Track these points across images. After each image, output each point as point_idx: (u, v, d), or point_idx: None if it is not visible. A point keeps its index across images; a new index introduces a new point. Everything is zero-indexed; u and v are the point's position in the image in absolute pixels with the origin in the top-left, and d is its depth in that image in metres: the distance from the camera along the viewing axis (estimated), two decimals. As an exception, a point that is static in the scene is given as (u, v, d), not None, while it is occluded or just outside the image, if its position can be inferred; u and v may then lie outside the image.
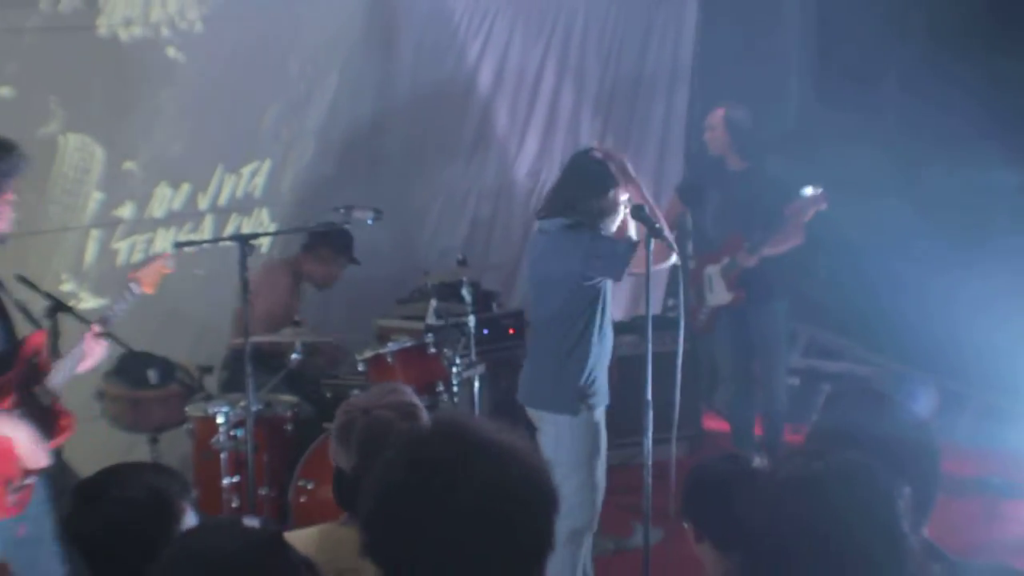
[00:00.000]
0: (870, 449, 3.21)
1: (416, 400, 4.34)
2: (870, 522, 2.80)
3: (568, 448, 6.40)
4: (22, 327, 5.82)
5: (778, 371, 8.75)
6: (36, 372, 5.73)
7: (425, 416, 4.21)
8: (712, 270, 8.57)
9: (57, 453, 5.87)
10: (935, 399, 9.21)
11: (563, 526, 5.76)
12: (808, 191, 8.08)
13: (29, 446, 5.52)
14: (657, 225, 6.18)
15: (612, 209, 6.45)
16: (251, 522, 2.95)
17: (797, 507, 2.83)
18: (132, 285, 6.12)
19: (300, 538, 3.89)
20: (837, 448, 3.11)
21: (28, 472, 5.56)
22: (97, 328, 5.92)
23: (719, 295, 8.56)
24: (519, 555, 2.80)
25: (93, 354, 5.90)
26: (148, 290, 6.16)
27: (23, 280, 6.09)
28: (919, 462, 3.34)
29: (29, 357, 5.71)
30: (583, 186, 6.46)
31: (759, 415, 8.79)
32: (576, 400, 6.45)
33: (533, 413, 6.56)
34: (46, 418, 5.72)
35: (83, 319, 6.89)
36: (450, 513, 2.69)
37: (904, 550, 2.82)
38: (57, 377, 5.76)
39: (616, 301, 10.73)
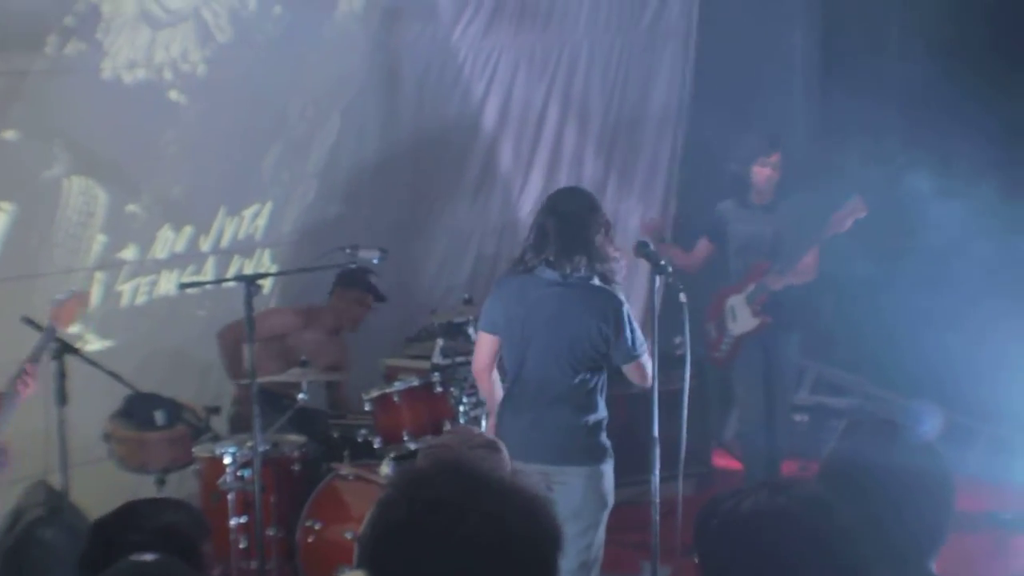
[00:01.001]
0: (883, 481, 3.19)
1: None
2: (827, 559, 2.75)
3: (598, 498, 6.33)
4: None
5: (785, 404, 8.80)
6: None
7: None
8: (735, 300, 8.62)
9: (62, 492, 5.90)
10: (941, 422, 9.20)
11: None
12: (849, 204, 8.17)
13: None
14: (662, 262, 6.20)
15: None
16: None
17: (760, 540, 2.78)
18: (51, 322, 6.22)
19: None
20: (845, 484, 3.09)
21: None
22: (30, 367, 6.02)
23: (744, 322, 8.59)
24: None
25: (24, 389, 6.02)
26: (64, 327, 6.23)
27: (29, 322, 6.13)
28: (932, 494, 3.31)
29: None
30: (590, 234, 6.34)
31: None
32: (606, 448, 6.40)
33: (553, 470, 6.16)
34: None
35: (90, 361, 6.91)
36: (452, 550, 2.67)
37: None
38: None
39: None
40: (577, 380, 6.33)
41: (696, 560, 3.61)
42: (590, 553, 6.31)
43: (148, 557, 3.03)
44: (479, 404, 8.02)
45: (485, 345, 6.55)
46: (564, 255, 6.27)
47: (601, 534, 6.39)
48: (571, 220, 6.33)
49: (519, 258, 6.48)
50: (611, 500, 6.42)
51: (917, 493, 3.26)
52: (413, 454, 7.51)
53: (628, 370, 6.44)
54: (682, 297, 6.25)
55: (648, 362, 6.34)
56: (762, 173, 8.59)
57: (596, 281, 6.30)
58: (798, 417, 9.53)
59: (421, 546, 2.68)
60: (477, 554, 2.67)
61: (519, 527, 2.73)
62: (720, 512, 2.89)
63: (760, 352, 8.62)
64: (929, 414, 9.11)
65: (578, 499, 6.22)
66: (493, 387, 6.62)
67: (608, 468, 6.38)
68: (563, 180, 10.65)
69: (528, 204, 10.64)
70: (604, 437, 6.41)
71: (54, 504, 6.53)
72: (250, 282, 7.02)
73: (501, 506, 2.73)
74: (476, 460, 2.98)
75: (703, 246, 8.94)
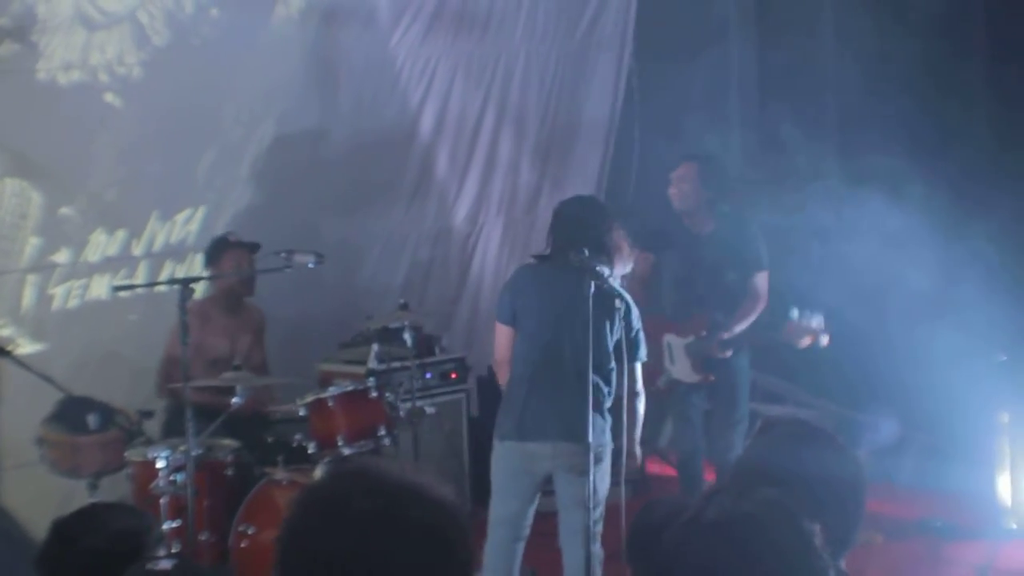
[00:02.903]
0: (794, 482, 3.19)
1: None
2: (792, 565, 2.73)
3: (607, 476, 6.71)
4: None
5: (741, 423, 8.41)
6: None
7: None
8: (674, 341, 8.28)
9: None
10: (896, 431, 9.17)
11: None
12: (812, 322, 7.94)
13: None
14: (597, 268, 6.29)
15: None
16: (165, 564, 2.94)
17: (723, 552, 2.72)
18: None
19: None
20: (755, 483, 3.08)
21: None
22: None
23: (683, 372, 8.29)
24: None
25: None
26: None
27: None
28: (843, 497, 3.35)
29: None
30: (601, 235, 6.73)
31: (710, 462, 8.61)
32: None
33: (577, 451, 6.49)
34: None
35: (22, 364, 6.86)
36: (363, 558, 2.66)
37: None
38: None
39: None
40: (600, 367, 6.63)
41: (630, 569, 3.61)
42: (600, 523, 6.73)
43: (165, 565, 3.02)
44: (414, 410, 8.04)
45: (504, 336, 6.90)
46: (574, 247, 6.60)
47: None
48: (577, 218, 6.84)
49: (539, 253, 6.99)
50: None
51: (828, 496, 3.28)
52: (346, 460, 7.50)
53: (631, 369, 6.73)
54: (617, 303, 6.27)
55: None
56: (672, 191, 8.27)
57: (606, 274, 6.59)
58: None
59: (319, 539, 2.68)
60: (365, 536, 2.66)
61: (415, 519, 2.72)
62: (681, 522, 2.86)
63: (701, 396, 8.43)
64: (884, 424, 9.10)
65: (607, 477, 6.69)
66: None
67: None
68: (497, 188, 10.69)
69: (463, 210, 10.68)
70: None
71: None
72: (184, 285, 6.99)
73: (384, 510, 2.73)
74: (382, 463, 2.97)
75: (646, 260, 8.14)
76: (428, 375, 8.77)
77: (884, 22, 9.70)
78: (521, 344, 6.85)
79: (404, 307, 8.54)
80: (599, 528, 6.73)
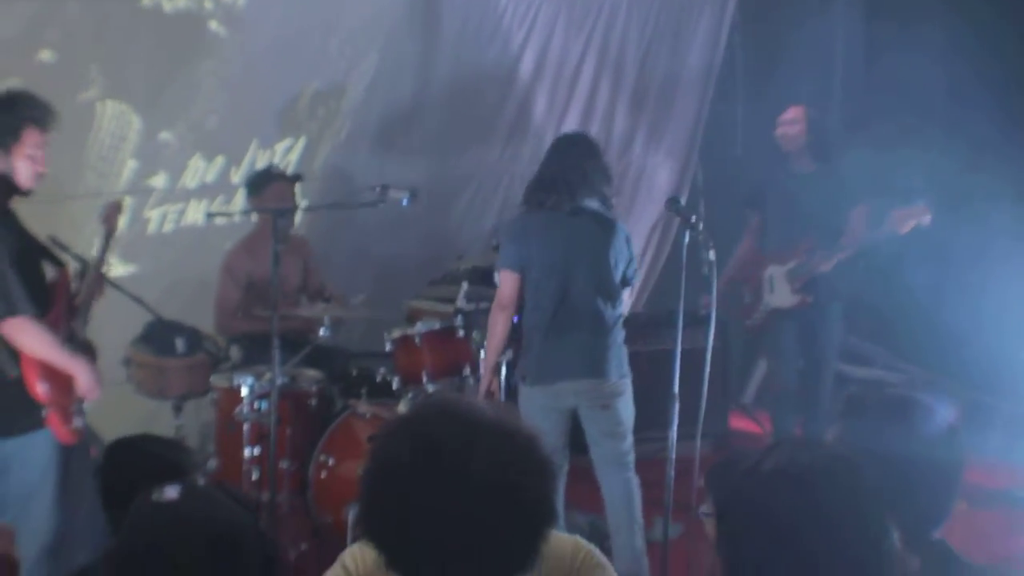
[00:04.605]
0: (895, 466, 3.17)
1: None
2: (855, 518, 2.72)
3: (631, 404, 6.91)
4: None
5: (829, 376, 8.61)
6: (71, 308, 6.04)
7: None
8: (776, 271, 8.46)
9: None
10: (954, 413, 9.07)
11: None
12: (914, 207, 7.94)
13: (89, 380, 5.84)
14: (692, 218, 6.21)
15: None
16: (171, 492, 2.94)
17: (781, 500, 2.74)
18: (105, 228, 6.42)
19: None
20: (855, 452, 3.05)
21: (83, 401, 5.89)
22: (97, 271, 6.23)
23: (782, 297, 8.46)
24: (525, 525, 2.79)
25: (100, 289, 6.25)
26: (114, 232, 6.46)
27: (56, 242, 6.14)
28: (943, 479, 3.32)
29: (64, 294, 5.97)
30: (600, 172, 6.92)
31: (800, 421, 8.67)
32: None
33: (612, 384, 6.81)
34: (84, 350, 6.02)
35: (114, 284, 6.94)
36: (460, 492, 2.68)
37: (887, 548, 2.76)
38: (82, 312, 6.10)
39: (638, 294, 10.80)
40: (611, 301, 6.85)
41: (704, 518, 3.60)
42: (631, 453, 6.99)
43: (172, 494, 3.01)
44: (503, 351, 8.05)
45: (509, 281, 6.93)
46: (571, 189, 6.79)
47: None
48: (573, 158, 6.89)
49: (529, 198, 6.99)
50: None
51: (928, 479, 3.27)
52: (432, 395, 7.53)
53: (626, 292, 7.04)
54: (711, 255, 6.22)
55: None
56: (780, 132, 8.45)
57: (601, 209, 6.84)
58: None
59: (423, 489, 2.70)
60: (484, 493, 2.68)
61: (521, 463, 2.75)
62: (741, 470, 2.86)
63: (795, 327, 8.51)
64: (942, 406, 8.99)
65: (627, 410, 6.88)
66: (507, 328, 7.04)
67: None
68: (594, 132, 10.64)
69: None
70: None
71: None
72: (279, 215, 7.01)
73: (503, 443, 2.75)
74: (468, 399, 2.99)
75: (756, 223, 8.75)
76: (516, 318, 8.75)
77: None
78: (531, 290, 6.94)
79: (496, 248, 8.52)
80: (631, 457, 6.98)
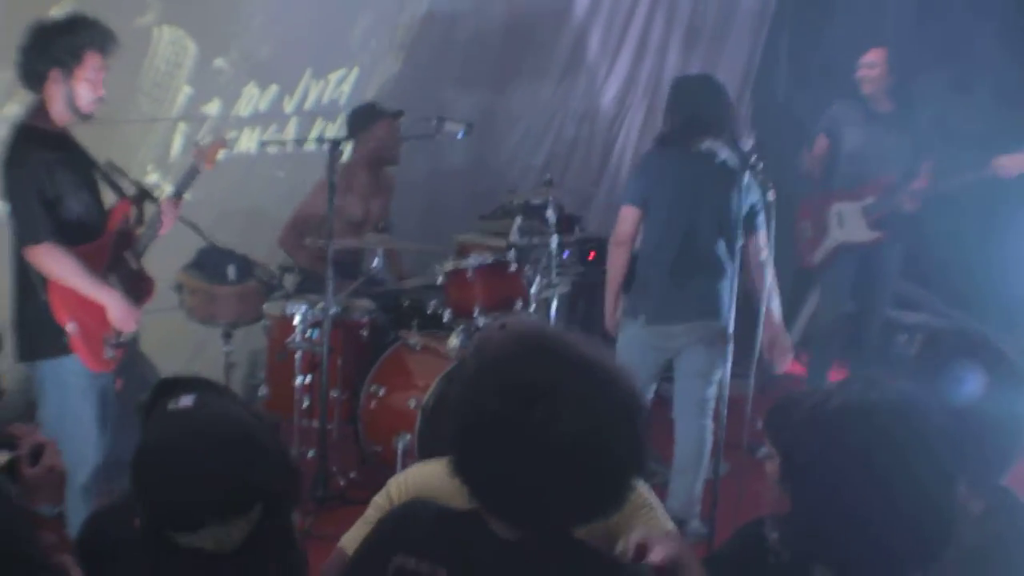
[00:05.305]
0: (959, 402, 3.17)
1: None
2: (924, 456, 2.71)
3: (730, 358, 6.76)
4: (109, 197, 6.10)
5: (879, 320, 8.82)
6: (125, 238, 6.05)
7: None
8: (847, 207, 8.49)
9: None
10: (983, 383, 9.02)
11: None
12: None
13: (120, 311, 5.87)
14: (752, 159, 6.22)
15: None
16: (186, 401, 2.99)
17: (850, 437, 2.73)
18: (196, 161, 6.38)
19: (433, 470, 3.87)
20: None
21: (120, 332, 5.91)
22: (171, 200, 6.23)
23: (856, 232, 8.48)
24: (617, 470, 2.81)
25: (168, 221, 6.19)
26: (209, 166, 6.42)
27: (112, 166, 6.15)
28: (1007, 422, 3.33)
29: (119, 224, 6.00)
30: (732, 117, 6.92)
31: (843, 363, 8.72)
32: None
33: (717, 325, 6.74)
34: (134, 281, 6.09)
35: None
36: (549, 442, 2.69)
37: (954, 487, 2.77)
38: (141, 243, 6.11)
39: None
40: (731, 244, 6.76)
41: (764, 458, 3.59)
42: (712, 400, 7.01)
43: (187, 402, 3.04)
44: (551, 286, 8.03)
45: (630, 218, 6.93)
46: (704, 132, 6.72)
47: None
48: (708, 101, 6.87)
49: (662, 136, 7.02)
50: None
51: (996, 426, 3.29)
52: (481, 330, 7.53)
53: (761, 235, 6.83)
54: (771, 195, 6.20)
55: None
56: (861, 75, 8.48)
57: (728, 152, 6.70)
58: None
59: (518, 437, 2.71)
60: (575, 441, 2.70)
61: (613, 408, 2.75)
62: (807, 407, 2.85)
63: (856, 262, 8.57)
64: (972, 375, 8.95)
65: (730, 357, 6.68)
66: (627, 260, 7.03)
67: None
68: (645, 72, 10.61)
69: (611, 91, 10.63)
70: None
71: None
72: (334, 145, 7.00)
73: (594, 389, 2.74)
74: (556, 333, 2.97)
75: (822, 143, 8.74)
76: (567, 253, 8.73)
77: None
78: (653, 228, 6.92)
79: (549, 183, 8.50)
80: (712, 405, 6.97)
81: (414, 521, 3.02)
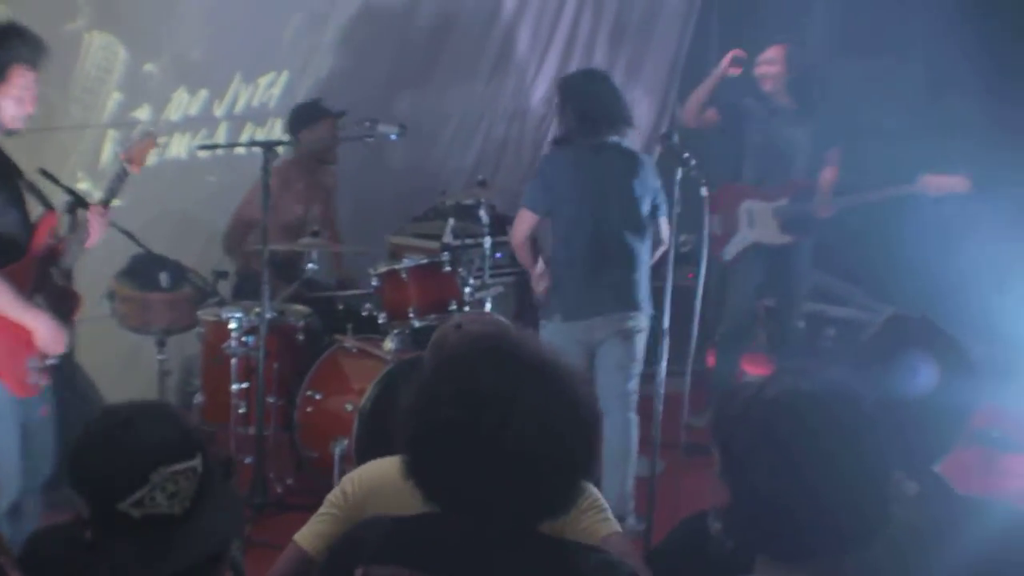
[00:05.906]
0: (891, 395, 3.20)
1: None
2: (852, 443, 2.71)
3: (643, 346, 7.11)
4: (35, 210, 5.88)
5: (799, 312, 8.90)
6: (52, 254, 5.82)
7: None
8: (757, 206, 8.55)
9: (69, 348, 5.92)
10: (936, 374, 9.07)
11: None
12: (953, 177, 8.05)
13: (48, 333, 5.61)
14: (685, 155, 6.23)
15: None
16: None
17: (779, 426, 2.73)
18: (123, 164, 6.21)
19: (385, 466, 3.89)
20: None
21: (47, 356, 5.67)
22: (98, 208, 6.01)
23: (767, 233, 8.55)
24: (570, 474, 2.84)
25: (96, 231, 5.96)
26: (136, 169, 6.25)
27: (45, 174, 6.09)
28: (941, 414, 3.35)
29: (45, 239, 5.77)
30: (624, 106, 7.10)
31: (768, 356, 8.77)
32: None
33: (627, 317, 7.01)
34: (60, 298, 5.85)
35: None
36: (503, 448, 2.72)
37: (886, 472, 2.79)
38: (68, 256, 5.88)
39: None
40: (639, 234, 7.01)
41: (714, 452, 3.63)
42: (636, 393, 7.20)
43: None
44: (485, 287, 8.07)
45: (527, 221, 7.08)
46: (598, 126, 6.93)
47: None
48: (598, 95, 7.04)
49: (559, 137, 7.16)
50: None
51: (928, 418, 3.30)
52: (416, 332, 7.55)
53: (663, 222, 7.05)
54: (703, 191, 6.25)
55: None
56: (760, 71, 8.52)
57: (627, 145, 7.02)
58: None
59: (471, 444, 2.74)
60: (527, 446, 2.72)
61: (567, 413, 2.78)
62: (743, 397, 2.87)
63: (767, 260, 8.64)
64: (924, 365, 9.01)
65: (642, 346, 7.08)
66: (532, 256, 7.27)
67: None
68: (575, 66, 10.63)
69: (540, 90, 10.64)
70: None
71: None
72: (268, 148, 7.01)
73: (549, 395, 2.77)
74: (513, 337, 2.99)
75: (711, 113, 8.70)
76: (499, 255, 8.76)
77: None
78: (559, 228, 7.06)
79: (482, 184, 8.54)
80: (635, 397, 7.16)
81: (371, 533, 3.03)
